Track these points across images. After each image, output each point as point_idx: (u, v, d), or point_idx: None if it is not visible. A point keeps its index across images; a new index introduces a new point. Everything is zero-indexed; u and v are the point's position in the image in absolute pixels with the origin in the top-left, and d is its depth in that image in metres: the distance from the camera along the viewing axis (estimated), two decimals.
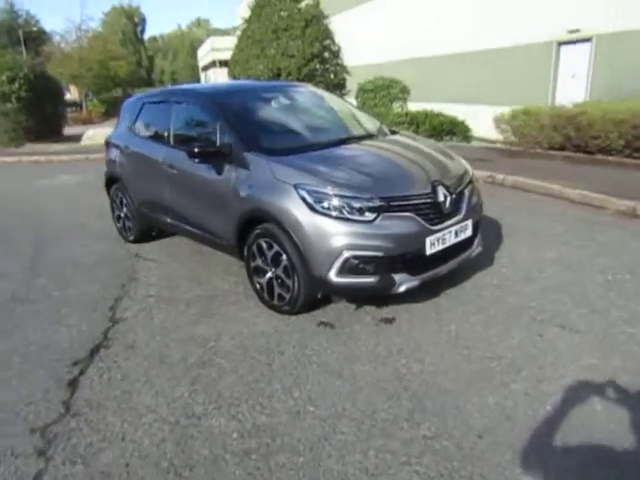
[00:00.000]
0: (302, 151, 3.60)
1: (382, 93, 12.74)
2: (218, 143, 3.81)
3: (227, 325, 3.48)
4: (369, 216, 3.10)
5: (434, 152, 3.91)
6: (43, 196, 8.25)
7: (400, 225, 3.15)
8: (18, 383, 2.91)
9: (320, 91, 5.00)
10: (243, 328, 3.42)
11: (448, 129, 10.55)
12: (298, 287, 3.34)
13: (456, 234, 3.42)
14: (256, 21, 14.08)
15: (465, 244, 3.60)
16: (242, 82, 5.90)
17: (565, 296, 3.59)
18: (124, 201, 5.24)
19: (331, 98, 4.88)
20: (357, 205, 3.10)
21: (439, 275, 3.44)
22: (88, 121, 27.05)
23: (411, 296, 3.58)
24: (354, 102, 13.92)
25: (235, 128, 3.76)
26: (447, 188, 3.40)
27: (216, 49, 43.64)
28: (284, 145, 3.72)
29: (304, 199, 3.17)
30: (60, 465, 2.25)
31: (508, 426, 2.34)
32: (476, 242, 3.74)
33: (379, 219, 3.11)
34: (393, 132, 4.49)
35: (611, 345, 2.95)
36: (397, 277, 3.20)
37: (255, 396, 2.68)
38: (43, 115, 15.96)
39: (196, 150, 3.70)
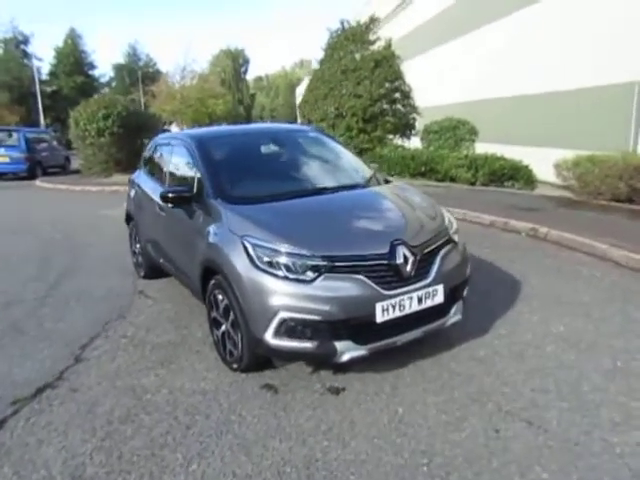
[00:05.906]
0: (265, 201, 3.45)
1: (448, 134, 12.31)
2: (195, 188, 3.78)
3: (175, 377, 3.35)
4: (309, 275, 2.85)
5: (412, 207, 3.57)
6: (100, 224, 8.79)
7: (344, 288, 2.85)
8: None
9: (324, 137, 4.80)
10: (187, 382, 3.27)
11: (509, 174, 9.83)
12: (242, 345, 3.15)
13: (420, 301, 3.04)
14: (327, 62, 14.39)
15: (437, 311, 3.20)
16: (242, 126, 5.87)
17: (552, 383, 3.04)
18: (137, 237, 5.39)
19: (331, 145, 4.66)
20: (298, 262, 2.87)
21: (396, 345, 3.07)
22: None
23: (374, 364, 3.26)
24: (419, 143, 13.62)
25: (209, 174, 3.71)
26: (411, 249, 3.06)
27: None
28: (250, 194, 3.59)
29: (247, 252, 3.00)
30: None
31: None
32: (453, 310, 3.31)
33: (319, 279, 2.84)
34: (387, 181, 4.20)
35: (578, 455, 2.41)
36: (339, 345, 2.88)
37: (151, 464, 2.50)
38: (133, 148, 17.30)
39: (170, 195, 3.70)
